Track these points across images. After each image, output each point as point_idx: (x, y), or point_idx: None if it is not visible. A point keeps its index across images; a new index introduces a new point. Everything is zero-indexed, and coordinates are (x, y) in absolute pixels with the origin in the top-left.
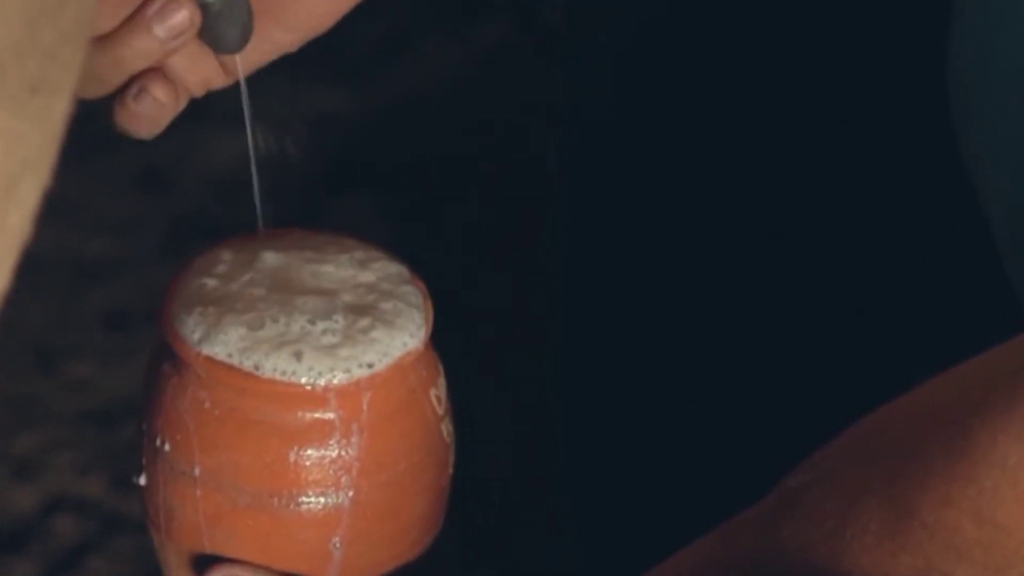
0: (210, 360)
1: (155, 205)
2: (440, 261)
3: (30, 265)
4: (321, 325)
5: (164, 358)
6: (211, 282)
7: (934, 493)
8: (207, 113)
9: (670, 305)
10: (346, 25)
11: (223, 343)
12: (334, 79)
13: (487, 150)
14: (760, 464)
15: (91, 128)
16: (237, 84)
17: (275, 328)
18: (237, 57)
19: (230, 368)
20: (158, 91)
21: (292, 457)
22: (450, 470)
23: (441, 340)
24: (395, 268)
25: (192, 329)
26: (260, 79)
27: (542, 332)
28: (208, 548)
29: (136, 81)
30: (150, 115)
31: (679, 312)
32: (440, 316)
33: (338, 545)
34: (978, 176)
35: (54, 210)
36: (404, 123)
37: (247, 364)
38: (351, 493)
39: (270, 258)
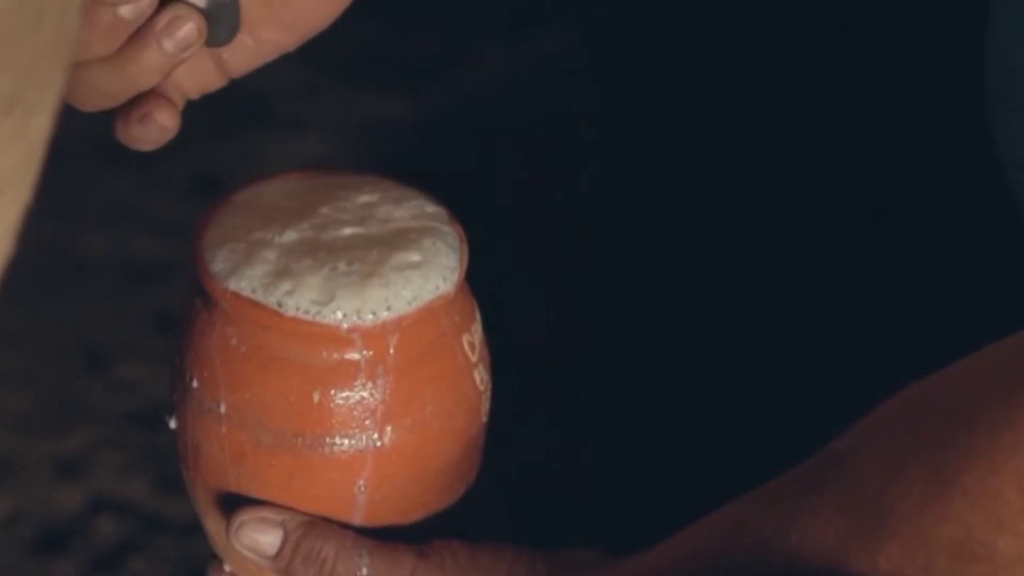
0: (235, 295)
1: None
2: (495, 265)
3: (82, 267)
4: (351, 264)
5: (196, 294)
6: (243, 219)
7: (978, 462)
8: (264, 120)
9: (703, 300)
10: (402, 33)
11: (249, 278)
12: (390, 86)
13: (541, 157)
14: (785, 451)
15: None
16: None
17: (302, 265)
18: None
19: (254, 304)
20: (163, 117)
21: (316, 397)
22: (483, 419)
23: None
24: (432, 208)
25: (220, 264)
26: (316, 87)
27: (578, 336)
28: (234, 486)
29: (141, 105)
30: (153, 138)
31: (713, 306)
32: (487, 318)
33: (363, 489)
34: (1014, 174)
35: (107, 213)
36: (459, 130)
37: (271, 300)
38: (376, 436)
39: (304, 196)
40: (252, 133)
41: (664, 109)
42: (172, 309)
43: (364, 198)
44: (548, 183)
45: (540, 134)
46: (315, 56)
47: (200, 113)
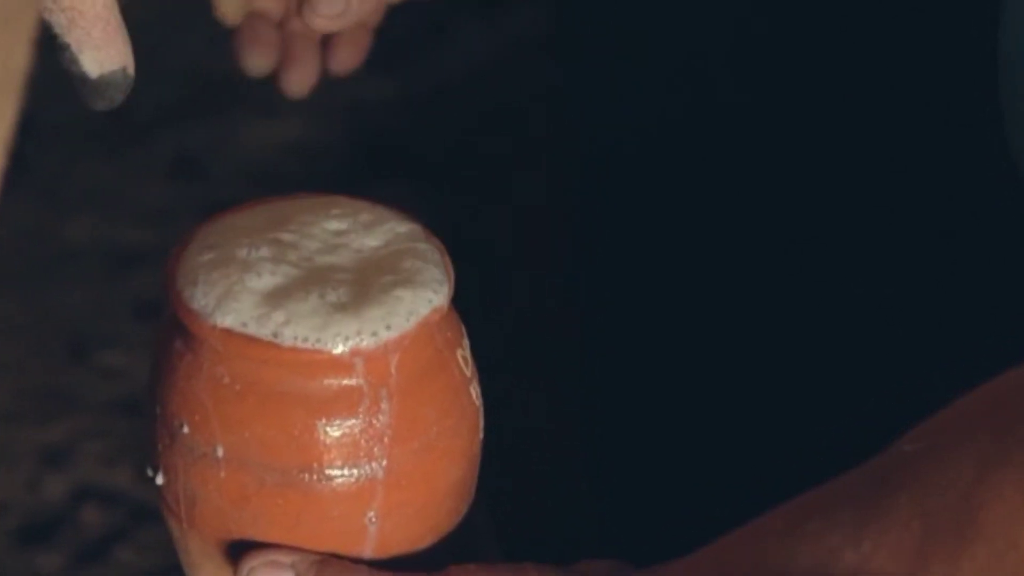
0: (226, 332)
1: (188, 194)
2: (480, 245)
3: (64, 255)
4: (339, 287)
5: (174, 336)
6: (215, 251)
7: None
8: (242, 102)
9: (689, 294)
10: (382, 13)
11: (236, 312)
12: (372, 66)
13: (522, 134)
14: (781, 458)
15: (123, 119)
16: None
17: (290, 292)
18: None
19: (247, 338)
20: None
21: (320, 428)
22: (480, 435)
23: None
24: (407, 227)
25: (202, 301)
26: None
27: (564, 321)
28: (235, 533)
29: None
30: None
31: (697, 302)
32: (473, 304)
33: (373, 519)
34: None
35: (88, 201)
36: (442, 109)
37: (265, 333)
38: (385, 463)
39: (274, 222)
40: (230, 116)
41: (638, 95)
42: (154, 295)
43: (333, 225)
44: (530, 160)
45: (521, 111)
46: None
47: (178, 96)
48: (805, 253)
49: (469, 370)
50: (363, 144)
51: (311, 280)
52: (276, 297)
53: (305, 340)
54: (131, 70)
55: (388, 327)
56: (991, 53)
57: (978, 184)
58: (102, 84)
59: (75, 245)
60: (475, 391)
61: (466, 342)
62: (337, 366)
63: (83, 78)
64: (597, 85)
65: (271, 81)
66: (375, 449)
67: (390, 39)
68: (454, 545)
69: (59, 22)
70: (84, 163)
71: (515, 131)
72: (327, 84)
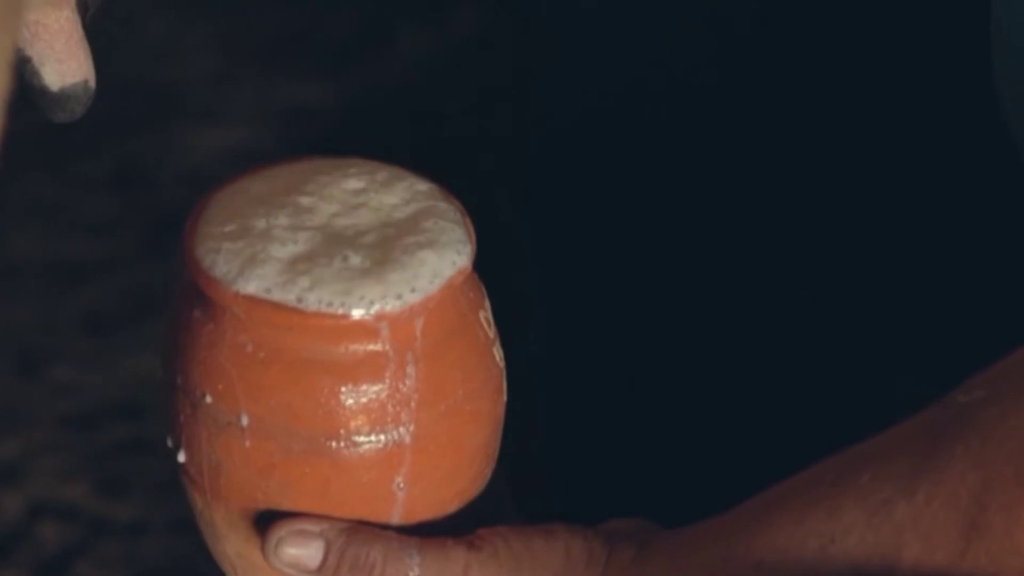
0: (249, 298)
1: (133, 204)
2: None
3: (9, 269)
4: (361, 250)
5: (193, 305)
6: (231, 220)
7: None
8: (180, 110)
9: (649, 295)
10: (318, 17)
11: (260, 278)
12: (307, 72)
13: (464, 138)
14: (747, 463)
15: (65, 130)
16: (214, 79)
17: (313, 257)
18: None
19: (271, 305)
20: None
21: (346, 394)
22: (504, 397)
23: None
24: (424, 186)
25: (224, 268)
26: (231, 75)
27: (521, 319)
28: (262, 503)
29: None
30: None
31: (659, 302)
32: None
33: (401, 485)
34: None
35: (32, 214)
36: (379, 113)
37: (289, 299)
38: (412, 427)
39: (286, 188)
40: (169, 125)
41: (600, 93)
42: (102, 308)
43: (351, 184)
44: (477, 161)
45: (462, 114)
46: (229, 43)
47: (116, 107)
48: (791, 247)
49: (492, 331)
50: (306, 148)
51: (333, 244)
52: (299, 262)
53: (330, 305)
54: (92, 83)
55: (413, 290)
56: (983, 35)
57: (973, 167)
58: (63, 97)
59: (20, 259)
60: (498, 353)
61: (487, 303)
62: (362, 331)
63: (43, 91)
64: (555, 81)
65: (209, 88)
66: (402, 414)
67: (327, 44)
68: (476, 509)
69: (22, 35)
70: (26, 176)
71: (459, 132)
72: (268, 88)
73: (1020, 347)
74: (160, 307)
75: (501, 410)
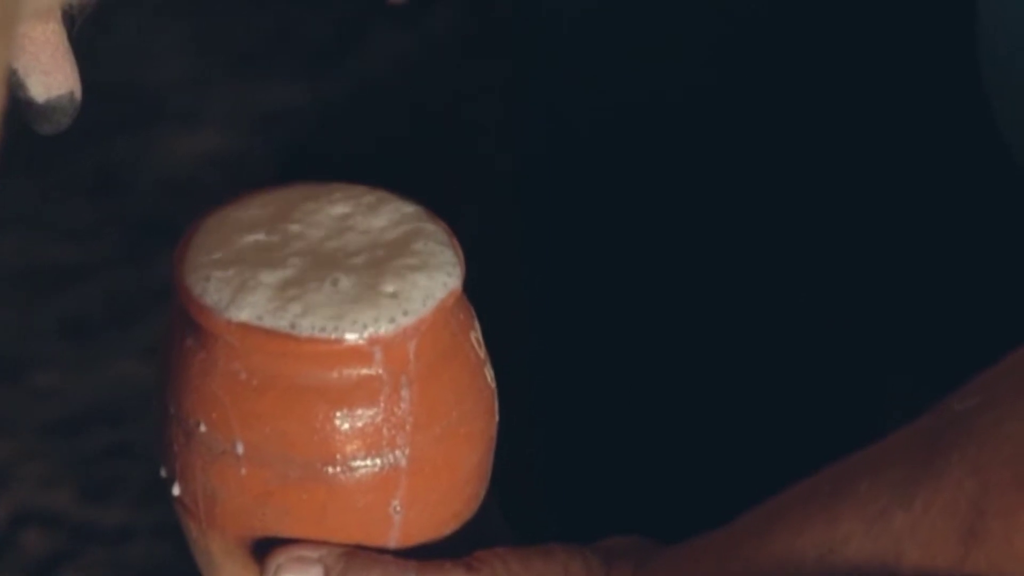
0: (241, 326)
1: (112, 210)
2: None
3: None
4: (352, 273)
5: (185, 334)
6: (219, 247)
7: None
8: (158, 114)
9: (639, 307)
10: (296, 18)
11: (251, 305)
12: (284, 74)
13: (442, 138)
14: (742, 476)
15: (42, 137)
16: (191, 83)
17: (304, 281)
18: None
19: (264, 332)
20: None
21: (341, 419)
22: (496, 417)
23: None
24: (409, 208)
25: (215, 296)
26: (208, 78)
27: (510, 318)
28: (258, 530)
29: None
30: None
31: (649, 314)
32: None
33: (398, 508)
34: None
35: (10, 220)
36: (358, 116)
37: (282, 325)
38: (407, 450)
39: (273, 215)
40: (147, 129)
41: (581, 89)
42: (82, 314)
43: (337, 210)
44: (456, 162)
45: (441, 116)
46: (206, 46)
47: (93, 112)
48: (787, 250)
49: (482, 352)
50: (283, 151)
51: (323, 268)
52: (289, 287)
53: (323, 330)
54: (78, 94)
55: (405, 313)
56: (970, 31)
57: (966, 168)
58: (48, 109)
59: None
60: (489, 373)
61: (477, 324)
62: (356, 355)
63: (29, 103)
64: (550, 82)
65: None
66: (397, 437)
67: (305, 46)
68: (472, 530)
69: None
70: (4, 182)
71: (436, 134)
72: (244, 92)
73: (1014, 351)
74: (141, 312)
75: (494, 431)
